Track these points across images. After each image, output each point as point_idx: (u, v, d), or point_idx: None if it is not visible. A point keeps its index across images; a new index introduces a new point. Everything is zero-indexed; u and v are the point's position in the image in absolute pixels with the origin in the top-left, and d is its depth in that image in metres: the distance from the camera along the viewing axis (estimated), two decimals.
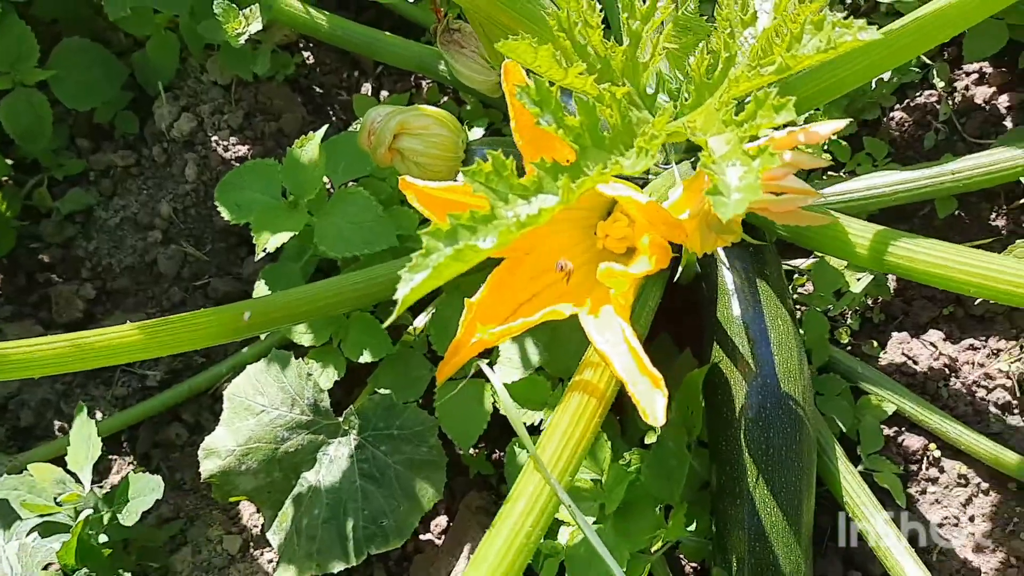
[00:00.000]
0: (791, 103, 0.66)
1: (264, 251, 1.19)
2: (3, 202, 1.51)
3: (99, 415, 1.34)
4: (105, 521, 1.12)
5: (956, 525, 1.33)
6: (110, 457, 1.41)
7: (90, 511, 1.07)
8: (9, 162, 1.54)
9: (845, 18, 0.70)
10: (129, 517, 1.10)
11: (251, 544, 1.33)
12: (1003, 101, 1.48)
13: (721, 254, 1.22)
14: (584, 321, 1.00)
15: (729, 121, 0.69)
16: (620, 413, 1.35)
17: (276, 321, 1.11)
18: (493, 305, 1.04)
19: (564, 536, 1.21)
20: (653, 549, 1.16)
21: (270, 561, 1.31)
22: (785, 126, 0.93)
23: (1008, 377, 1.37)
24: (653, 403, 0.90)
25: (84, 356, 0.92)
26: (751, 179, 0.64)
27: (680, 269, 1.19)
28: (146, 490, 1.11)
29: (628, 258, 1.04)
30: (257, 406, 1.26)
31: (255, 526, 1.35)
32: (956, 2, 0.91)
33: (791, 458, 1.14)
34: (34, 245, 1.54)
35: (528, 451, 0.88)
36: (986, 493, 1.33)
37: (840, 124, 0.87)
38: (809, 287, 1.42)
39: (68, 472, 1.13)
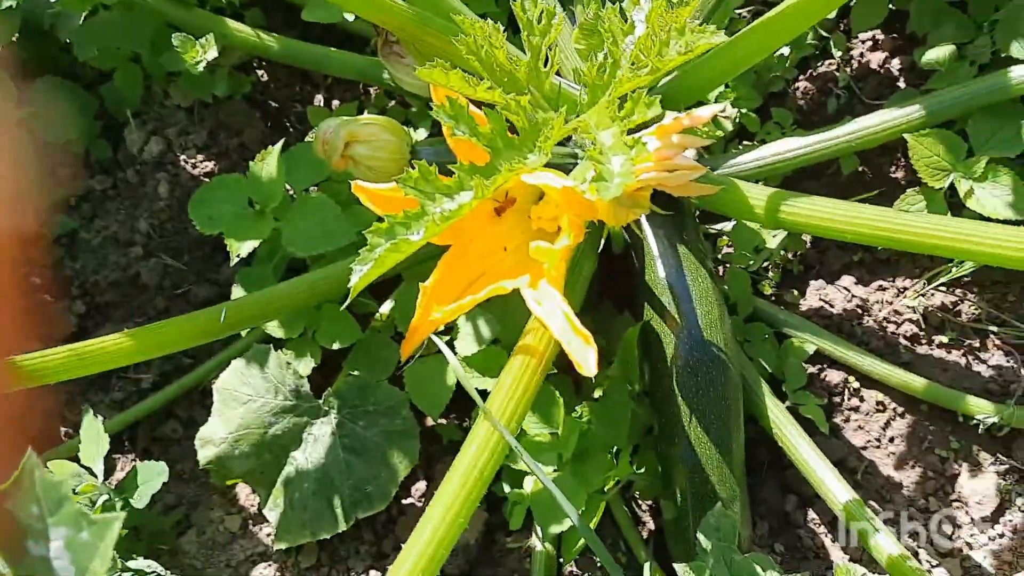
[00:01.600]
0: (657, 101, 0.80)
1: (238, 257, 1.33)
2: None
3: (100, 418, 1.47)
4: (118, 509, 1.26)
5: (878, 447, 1.49)
6: (114, 456, 1.55)
7: (105, 497, 1.21)
8: None
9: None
10: (140, 500, 1.24)
11: (250, 521, 1.48)
12: (895, 64, 1.64)
13: (646, 225, 1.36)
14: (525, 294, 1.15)
15: (614, 117, 0.83)
16: (574, 375, 1.50)
17: (252, 319, 1.25)
18: (445, 287, 1.18)
19: (529, 485, 1.36)
20: (607, 488, 1.32)
21: (268, 535, 1.46)
22: (691, 108, 1.08)
23: (914, 312, 1.53)
24: (586, 357, 1.06)
25: (84, 362, 1.05)
26: (629, 167, 0.78)
27: (606, 241, 1.34)
28: (153, 475, 1.25)
29: (558, 236, 1.19)
30: (244, 396, 1.40)
31: (252, 505, 1.49)
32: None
33: (718, 398, 1.29)
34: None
35: (478, 404, 1.02)
36: (902, 416, 1.49)
37: (717, 107, 1.02)
38: (732, 248, 1.57)
39: (82, 467, 1.27)
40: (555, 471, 1.34)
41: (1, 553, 0.63)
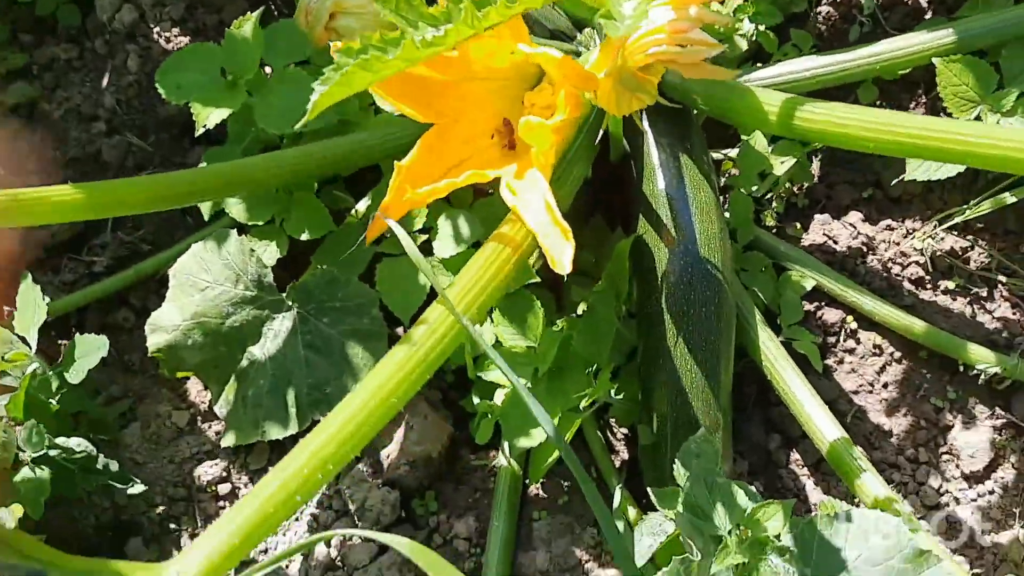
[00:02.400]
0: None
1: (204, 128, 1.22)
2: None
3: (39, 287, 1.38)
4: (54, 388, 1.16)
5: (871, 392, 1.41)
6: (59, 342, 1.44)
7: (36, 366, 1.12)
8: None
9: None
10: (76, 375, 1.14)
11: (199, 418, 1.39)
12: None
13: (647, 131, 1.27)
14: (505, 182, 1.05)
15: None
16: (557, 291, 1.41)
17: (215, 190, 1.14)
18: (422, 168, 1.08)
19: (499, 398, 1.27)
20: (582, 406, 1.23)
21: (217, 433, 1.37)
22: None
23: (922, 255, 1.45)
24: (562, 252, 0.96)
25: (22, 208, 0.95)
26: (641, 9, 0.69)
27: (602, 149, 1.24)
28: (92, 349, 1.15)
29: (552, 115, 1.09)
30: (202, 282, 1.30)
31: (203, 402, 1.40)
32: None
33: (710, 319, 1.21)
34: None
35: (433, 284, 0.92)
36: (899, 362, 1.41)
37: None
38: (737, 174, 1.48)
39: (16, 336, 1.17)
40: (529, 387, 1.25)
41: None
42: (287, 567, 1.28)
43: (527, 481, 1.32)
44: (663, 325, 1.21)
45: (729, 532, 1.00)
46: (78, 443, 1.11)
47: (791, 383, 1.28)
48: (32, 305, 1.14)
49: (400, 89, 1.05)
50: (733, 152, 1.49)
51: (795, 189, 1.52)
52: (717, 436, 1.21)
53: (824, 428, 1.24)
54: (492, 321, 1.30)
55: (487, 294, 0.95)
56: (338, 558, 1.27)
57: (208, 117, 1.22)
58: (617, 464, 1.36)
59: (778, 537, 1.00)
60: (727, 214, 1.43)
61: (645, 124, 1.26)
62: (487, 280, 0.95)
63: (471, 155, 1.12)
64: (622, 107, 1.02)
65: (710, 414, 1.21)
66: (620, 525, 1.24)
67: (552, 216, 0.98)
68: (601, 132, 1.26)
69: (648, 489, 1.12)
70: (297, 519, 1.32)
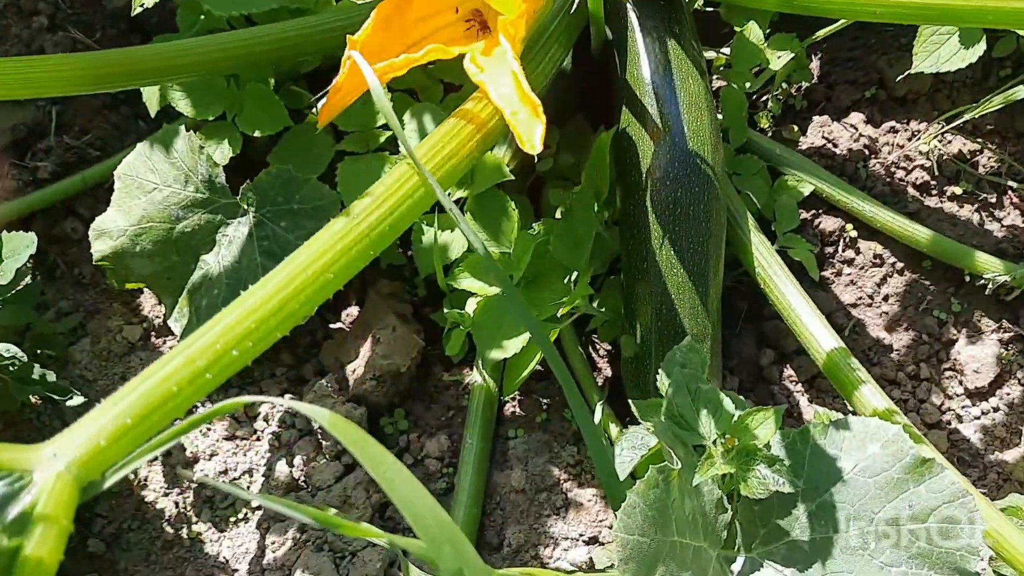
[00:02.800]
0: None
1: (142, 6, 1.10)
2: None
3: None
4: None
5: (870, 305, 1.33)
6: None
7: None
8: None
9: None
10: (4, 276, 1.04)
11: (152, 333, 1.30)
12: None
13: (632, 13, 1.16)
14: (470, 55, 0.94)
15: None
16: (535, 198, 1.31)
17: (154, 72, 1.03)
18: (378, 44, 0.97)
19: (471, 307, 1.18)
20: (560, 314, 1.14)
21: (172, 348, 1.28)
22: None
23: (927, 158, 1.35)
24: (531, 130, 0.86)
25: None
26: None
27: (582, 40, 1.13)
28: (20, 247, 1.06)
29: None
30: (149, 184, 1.20)
31: (156, 317, 1.31)
32: None
33: (698, 218, 1.11)
34: None
35: (401, 143, 0.82)
36: (900, 273, 1.32)
37: None
38: (729, 71, 1.37)
39: None
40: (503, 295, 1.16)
41: None
42: (248, 487, 1.21)
43: (502, 398, 1.24)
44: (647, 226, 1.12)
45: (714, 442, 0.91)
46: (6, 348, 1.02)
47: (785, 291, 1.19)
48: None
49: None
50: (726, 51, 1.38)
51: (792, 90, 1.42)
52: (705, 345, 1.13)
53: (820, 338, 1.15)
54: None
55: (444, 171, 0.85)
56: (301, 478, 1.19)
57: None
58: (600, 382, 1.27)
59: (767, 447, 0.92)
60: (719, 114, 1.32)
61: (629, 8, 1.15)
62: (446, 156, 0.85)
63: (430, 34, 1.01)
64: None
65: (698, 321, 1.12)
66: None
67: (520, 90, 0.87)
68: (583, 16, 1.15)
69: (630, 402, 1.03)
70: (258, 438, 1.24)
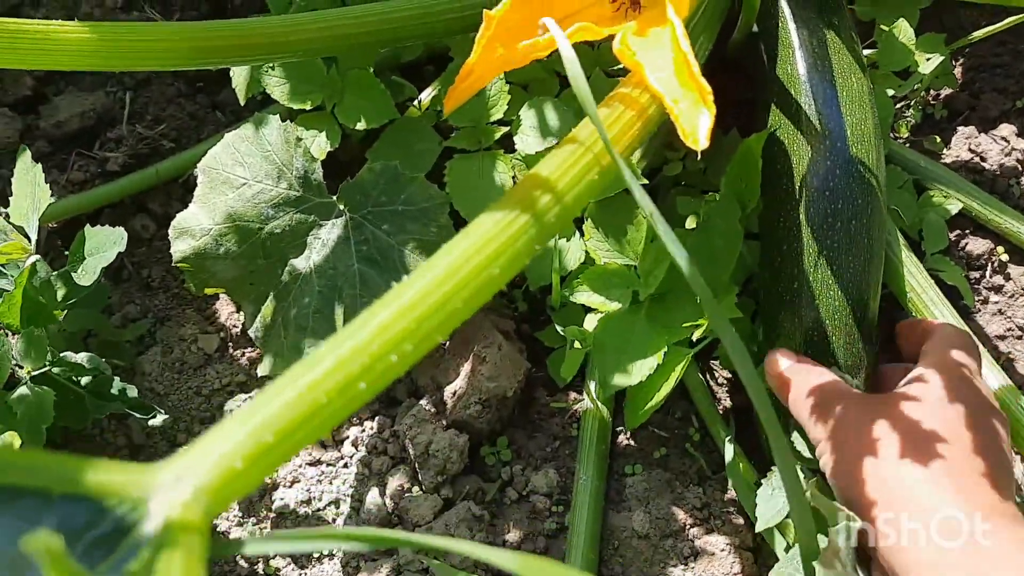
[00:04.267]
0: None
1: None
2: None
3: (53, 199, 1.16)
4: (60, 295, 0.95)
5: (1020, 338, 1.19)
6: (67, 253, 1.24)
7: (37, 259, 0.90)
8: None
9: None
10: (85, 276, 0.92)
11: (231, 344, 1.18)
12: None
13: (784, 3, 1.04)
14: (622, 36, 0.82)
15: None
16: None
17: (257, 49, 0.90)
18: (517, 24, 0.85)
19: (591, 324, 1.06)
20: (694, 338, 1.01)
21: (252, 361, 1.16)
22: None
23: None
24: (696, 120, 0.72)
25: (16, 48, 0.72)
26: None
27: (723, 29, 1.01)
28: (107, 244, 0.93)
29: None
30: (237, 179, 1.08)
31: (235, 325, 1.19)
32: None
33: (860, 234, 0.98)
34: None
35: (584, 106, 0.68)
36: None
37: None
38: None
39: (12, 225, 0.95)
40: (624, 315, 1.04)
41: None
42: (334, 520, 1.08)
43: (617, 429, 1.11)
44: (799, 242, 0.99)
45: None
46: (89, 359, 0.90)
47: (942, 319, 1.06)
48: (31, 187, 0.92)
49: None
50: (866, 52, 1.25)
51: (930, 98, 1.29)
52: (859, 378, 0.99)
53: (985, 375, 1.02)
54: (581, 235, 1.08)
55: (623, 143, 0.71)
56: (395, 512, 1.06)
57: None
58: (720, 412, 1.14)
59: None
60: None
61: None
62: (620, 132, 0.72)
63: (578, 11, 0.89)
64: None
65: (853, 351, 0.99)
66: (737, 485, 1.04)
67: (682, 75, 0.74)
68: (727, 2, 1.02)
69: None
70: (346, 465, 1.11)
